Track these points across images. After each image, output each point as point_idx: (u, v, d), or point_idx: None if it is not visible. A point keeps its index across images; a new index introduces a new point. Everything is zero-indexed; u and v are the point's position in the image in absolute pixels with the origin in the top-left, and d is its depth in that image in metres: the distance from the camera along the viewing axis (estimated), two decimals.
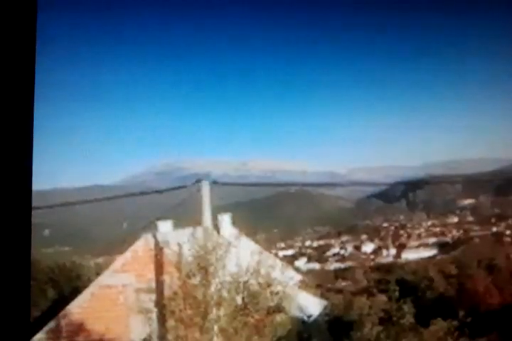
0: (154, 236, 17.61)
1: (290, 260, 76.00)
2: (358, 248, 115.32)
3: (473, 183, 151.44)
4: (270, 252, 20.49)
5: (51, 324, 17.39)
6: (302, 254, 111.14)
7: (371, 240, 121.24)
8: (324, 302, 24.32)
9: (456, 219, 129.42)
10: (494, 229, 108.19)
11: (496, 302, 26.35)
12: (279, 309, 12.15)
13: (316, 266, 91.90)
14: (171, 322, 12.14)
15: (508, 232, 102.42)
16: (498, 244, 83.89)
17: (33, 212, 2.33)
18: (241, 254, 12.23)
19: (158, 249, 17.00)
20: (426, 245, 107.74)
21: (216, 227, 19.55)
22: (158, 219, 19.02)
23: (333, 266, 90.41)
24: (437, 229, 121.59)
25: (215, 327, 11.71)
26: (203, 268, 11.96)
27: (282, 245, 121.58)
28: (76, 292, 18.83)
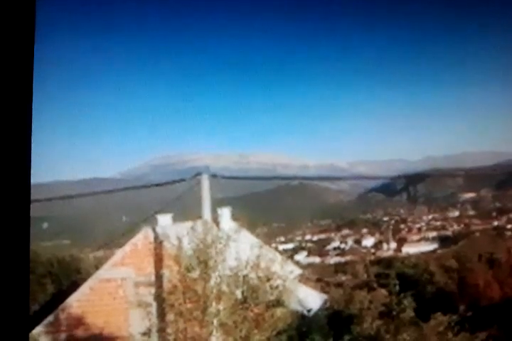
0: (154, 230, 17.63)
1: (290, 254, 76.11)
2: (358, 242, 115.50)
3: (474, 177, 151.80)
4: (270, 246, 20.51)
5: (50, 317, 17.46)
6: (302, 248, 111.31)
7: (371, 234, 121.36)
8: (324, 296, 24.40)
9: (457, 213, 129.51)
10: (495, 223, 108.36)
11: (497, 297, 26.41)
12: (278, 303, 12.18)
13: (316, 259, 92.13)
14: (170, 316, 12.18)
15: (509, 226, 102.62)
16: (499, 237, 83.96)
17: (32, 205, 2.30)
18: (241, 248, 12.26)
19: (158, 243, 17.03)
20: (426, 239, 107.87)
21: (216, 221, 19.56)
22: (158, 212, 19.02)
23: (333, 259, 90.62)
24: (438, 223, 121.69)
25: (215, 321, 11.75)
26: (203, 261, 11.98)
27: (282, 239, 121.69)
28: (75, 285, 18.88)
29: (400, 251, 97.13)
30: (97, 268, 19.80)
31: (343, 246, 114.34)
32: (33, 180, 2.25)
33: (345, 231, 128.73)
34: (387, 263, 46.42)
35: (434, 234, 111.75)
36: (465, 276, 30.19)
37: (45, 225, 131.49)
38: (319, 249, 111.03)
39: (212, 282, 11.96)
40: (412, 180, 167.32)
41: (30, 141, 2.20)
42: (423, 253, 74.21)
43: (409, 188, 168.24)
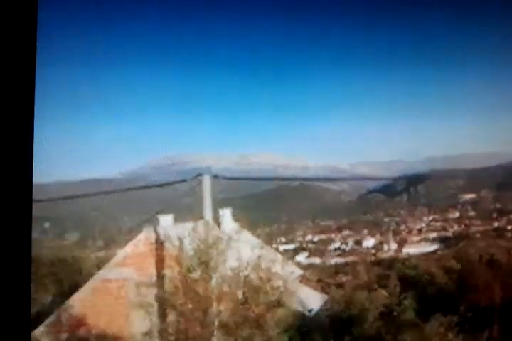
0: (155, 230, 17.61)
1: (291, 254, 75.91)
2: (358, 242, 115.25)
3: (474, 178, 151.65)
4: (271, 246, 20.44)
5: (52, 318, 17.47)
6: (303, 249, 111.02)
7: (372, 235, 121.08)
8: (325, 297, 24.37)
9: (457, 214, 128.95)
10: (495, 224, 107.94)
11: (497, 298, 26.36)
12: (279, 303, 12.18)
13: (317, 260, 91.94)
14: (171, 317, 12.17)
15: (509, 227, 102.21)
16: (500, 239, 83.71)
17: (34, 205, 2.34)
18: (242, 249, 12.25)
19: (160, 243, 17.01)
20: (427, 240, 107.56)
21: (217, 221, 19.54)
22: (159, 213, 19.01)
23: (334, 260, 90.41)
24: (438, 224, 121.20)
25: (216, 322, 11.74)
26: (204, 262, 11.98)
27: (283, 239, 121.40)
28: (77, 286, 18.89)
29: (401, 252, 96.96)
30: (98, 268, 19.78)
31: (343, 246, 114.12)
32: (34, 180, 2.29)
33: (346, 232, 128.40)
34: (388, 264, 46.32)
35: (434, 235, 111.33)
36: (465, 277, 30.13)
37: (46, 225, 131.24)
38: (320, 249, 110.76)
39: (213, 282, 11.96)
40: (413, 181, 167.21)
41: (33, 141, 2.24)
42: (423, 255, 73.97)
43: (410, 189, 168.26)
